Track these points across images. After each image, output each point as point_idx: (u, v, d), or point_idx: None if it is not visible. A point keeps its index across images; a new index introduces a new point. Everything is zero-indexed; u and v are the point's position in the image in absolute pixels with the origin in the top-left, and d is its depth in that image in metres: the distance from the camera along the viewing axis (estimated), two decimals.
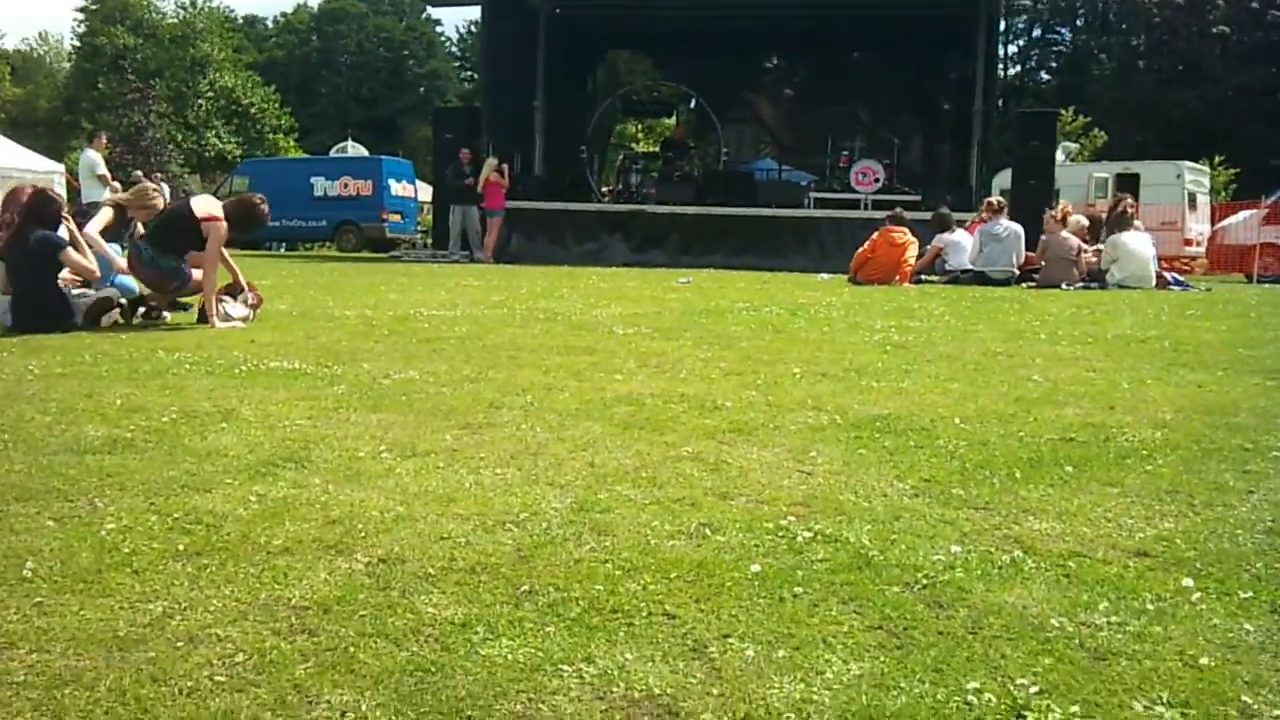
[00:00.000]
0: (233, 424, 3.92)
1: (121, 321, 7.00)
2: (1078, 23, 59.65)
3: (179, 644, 2.03)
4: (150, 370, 5.05)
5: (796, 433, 3.90)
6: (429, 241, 22.92)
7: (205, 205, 7.46)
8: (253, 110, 45.55)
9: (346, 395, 4.50)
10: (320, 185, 27.97)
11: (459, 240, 18.33)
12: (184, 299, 7.49)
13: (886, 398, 4.58)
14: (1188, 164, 25.19)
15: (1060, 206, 12.64)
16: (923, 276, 12.27)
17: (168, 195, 26.67)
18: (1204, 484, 3.20)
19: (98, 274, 7.07)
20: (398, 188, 28.57)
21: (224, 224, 7.18)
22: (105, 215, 7.95)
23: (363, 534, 2.67)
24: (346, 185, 27.88)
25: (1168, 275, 12.07)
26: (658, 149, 23.30)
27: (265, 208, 7.48)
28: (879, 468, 3.41)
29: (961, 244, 12.50)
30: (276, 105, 47.52)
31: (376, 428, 3.89)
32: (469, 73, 65.13)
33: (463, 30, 66.53)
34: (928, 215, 14.08)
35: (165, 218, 7.51)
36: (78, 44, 46.04)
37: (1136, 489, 3.15)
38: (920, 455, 3.58)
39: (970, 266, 12.17)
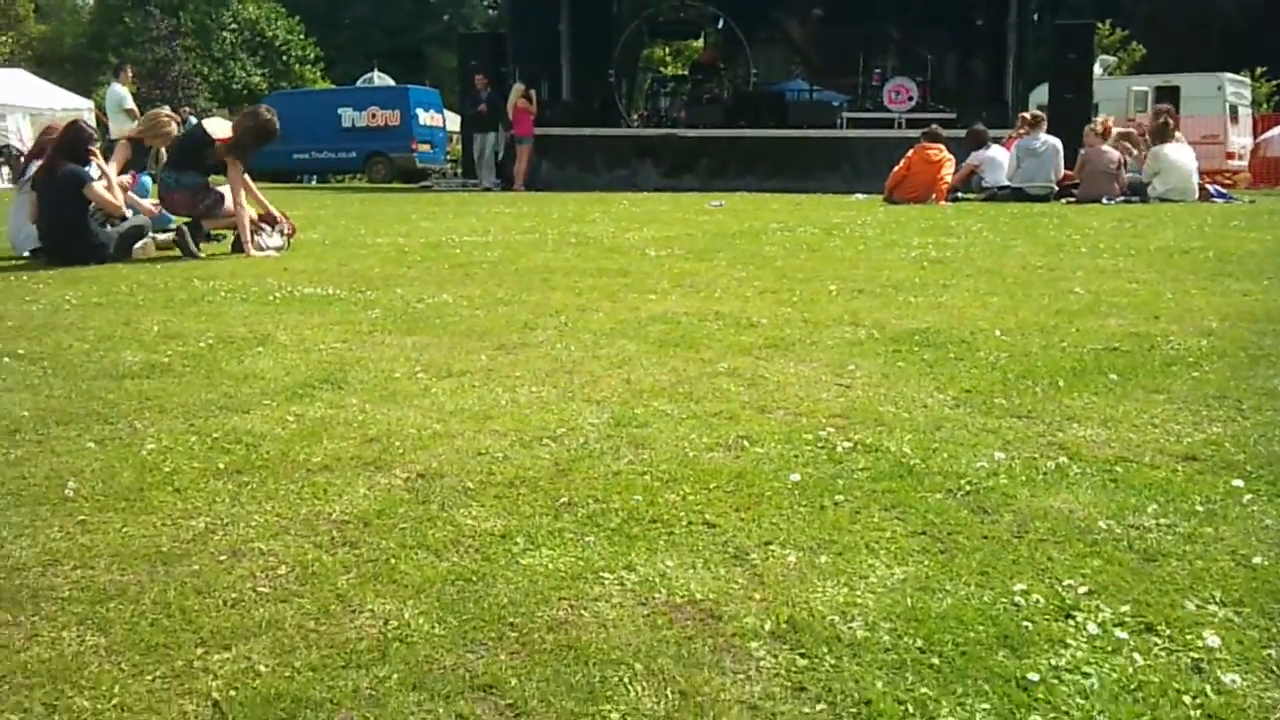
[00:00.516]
0: (269, 348, 3.92)
1: (156, 253, 7.01)
2: None
3: (222, 558, 2.04)
4: (186, 299, 5.06)
5: (833, 347, 3.86)
6: (459, 170, 22.79)
7: (218, 127, 7.46)
8: (277, 42, 45.21)
9: (381, 319, 4.49)
10: (348, 116, 27.82)
11: (491, 168, 18.26)
12: (217, 230, 7.49)
13: (925, 312, 4.52)
14: (1229, 76, 24.55)
15: (1100, 120, 12.34)
16: (959, 194, 12.07)
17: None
18: (1252, 389, 3.14)
19: (122, 209, 7.07)
20: (425, 117, 28.35)
21: (234, 147, 7.17)
22: (122, 151, 7.94)
23: (400, 451, 2.67)
24: (374, 116, 27.70)
25: (1210, 188, 11.80)
26: (686, 72, 22.94)
27: (274, 118, 7.41)
28: (919, 379, 3.37)
29: (998, 160, 12.27)
30: (301, 36, 47.12)
31: (411, 350, 3.88)
32: None
33: None
34: (963, 132, 13.83)
35: (181, 140, 7.60)
36: None
37: (1183, 395, 3.10)
38: (960, 367, 3.53)
39: (1008, 183, 11.95)
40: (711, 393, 3.23)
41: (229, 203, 7.15)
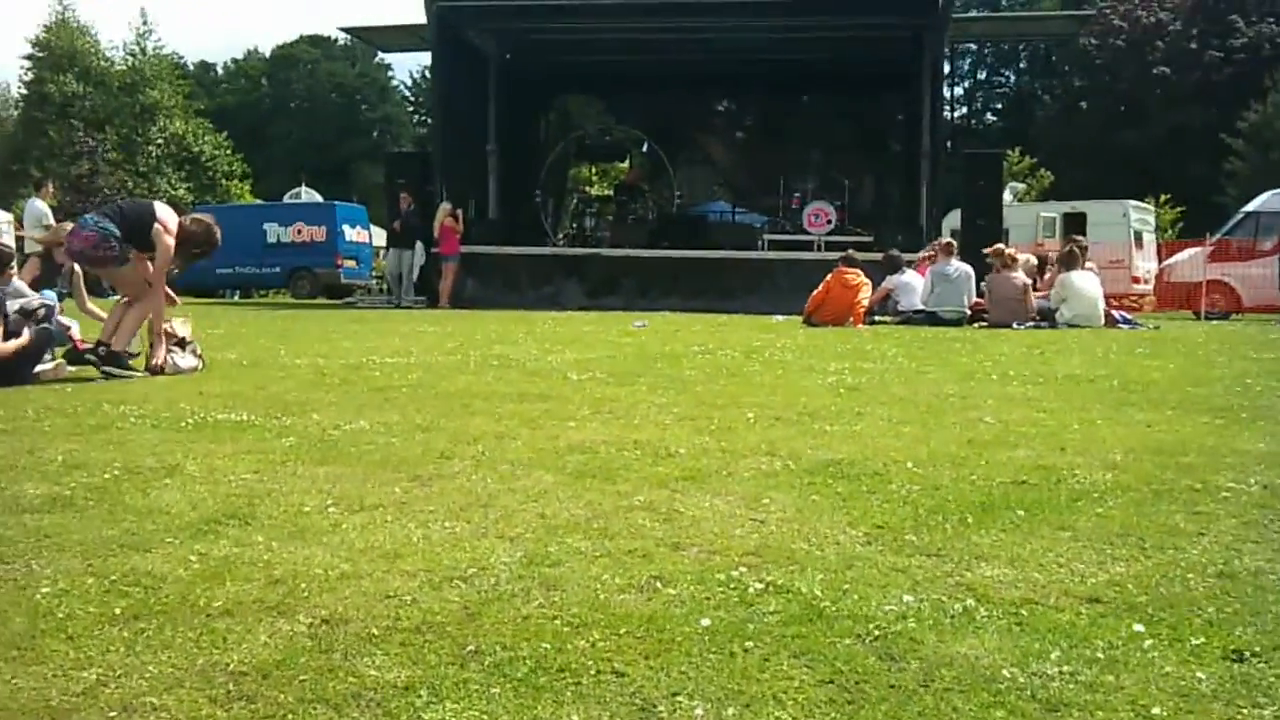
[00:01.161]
0: (176, 479, 3.84)
1: (64, 373, 6.87)
2: (1020, 65, 60.86)
3: (112, 713, 1.96)
4: (94, 424, 4.95)
5: (750, 479, 3.88)
6: (384, 287, 22.84)
7: (165, 212, 7.35)
8: (204, 157, 45.22)
9: (295, 447, 4.43)
10: (273, 231, 27.84)
11: (410, 286, 18.34)
12: (131, 352, 7.35)
13: (840, 441, 4.58)
14: (1133, 203, 25.68)
15: (1002, 248, 12.80)
16: (876, 317, 12.36)
17: None
18: (1155, 526, 3.21)
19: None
20: (352, 233, 28.46)
21: (172, 238, 7.08)
22: (30, 268, 7.83)
23: (306, 594, 2.61)
24: (300, 231, 27.75)
25: (1116, 314, 12.24)
26: (612, 192, 23.40)
27: (219, 236, 7.36)
28: (832, 514, 3.39)
29: (913, 285, 12.63)
30: (228, 151, 47.21)
31: (324, 481, 3.83)
32: (423, 116, 65.17)
33: (416, 75, 66.64)
34: (879, 255, 14.23)
35: (129, 202, 7.44)
36: (25, 92, 45.52)
37: (1088, 532, 3.16)
38: (873, 500, 3.57)
39: (922, 307, 12.28)
40: (626, 528, 3.22)
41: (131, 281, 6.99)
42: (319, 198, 33.73)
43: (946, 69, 35.78)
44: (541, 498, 3.60)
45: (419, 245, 18.30)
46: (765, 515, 3.37)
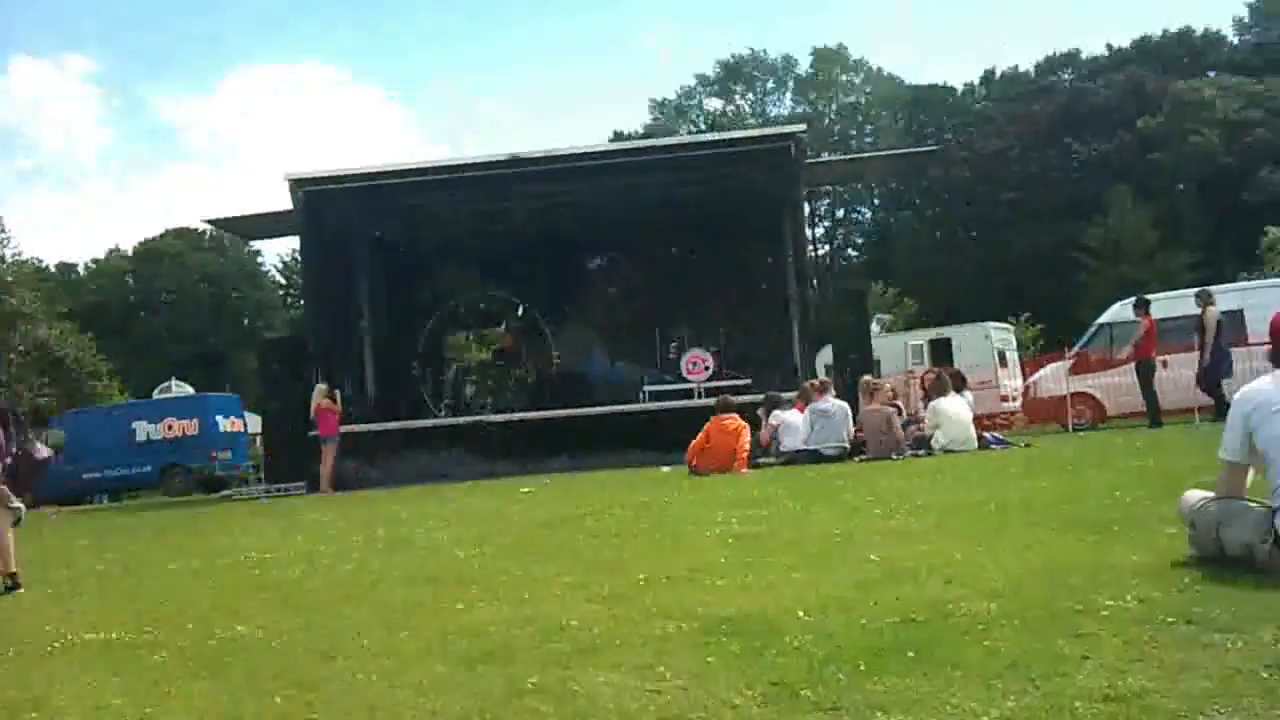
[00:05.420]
0: (43, 714, 3.62)
1: None
2: (875, 200, 63.64)
3: None
4: None
5: (644, 646, 3.83)
6: (261, 476, 22.29)
7: None
8: (68, 360, 44.05)
9: (167, 664, 4.22)
10: (143, 429, 27.14)
11: None
12: None
13: (732, 596, 4.56)
14: (993, 324, 26.79)
15: (863, 380, 13.19)
16: (760, 460, 12.48)
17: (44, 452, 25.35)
18: (1041, 655, 3.25)
19: None
20: (226, 423, 27.90)
21: None
22: None
23: None
24: (171, 427, 27.10)
25: (988, 435, 12.59)
26: (490, 358, 23.46)
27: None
28: (727, 675, 3.36)
29: (794, 424, 12.83)
30: (93, 353, 46.14)
31: (200, 698, 3.65)
32: (295, 298, 64.85)
33: (285, 258, 66.51)
34: (759, 396, 14.50)
35: None
36: None
37: (978, 667, 3.18)
38: (767, 656, 3.55)
39: (803, 446, 12.46)
40: (520, 716, 3.13)
41: None
42: (190, 390, 33.06)
43: (806, 210, 37.35)
44: (432, 691, 3.49)
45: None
46: (661, 685, 3.32)
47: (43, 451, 6.88)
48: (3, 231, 48.15)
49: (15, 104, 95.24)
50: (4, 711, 3.64)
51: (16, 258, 46.04)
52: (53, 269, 60.90)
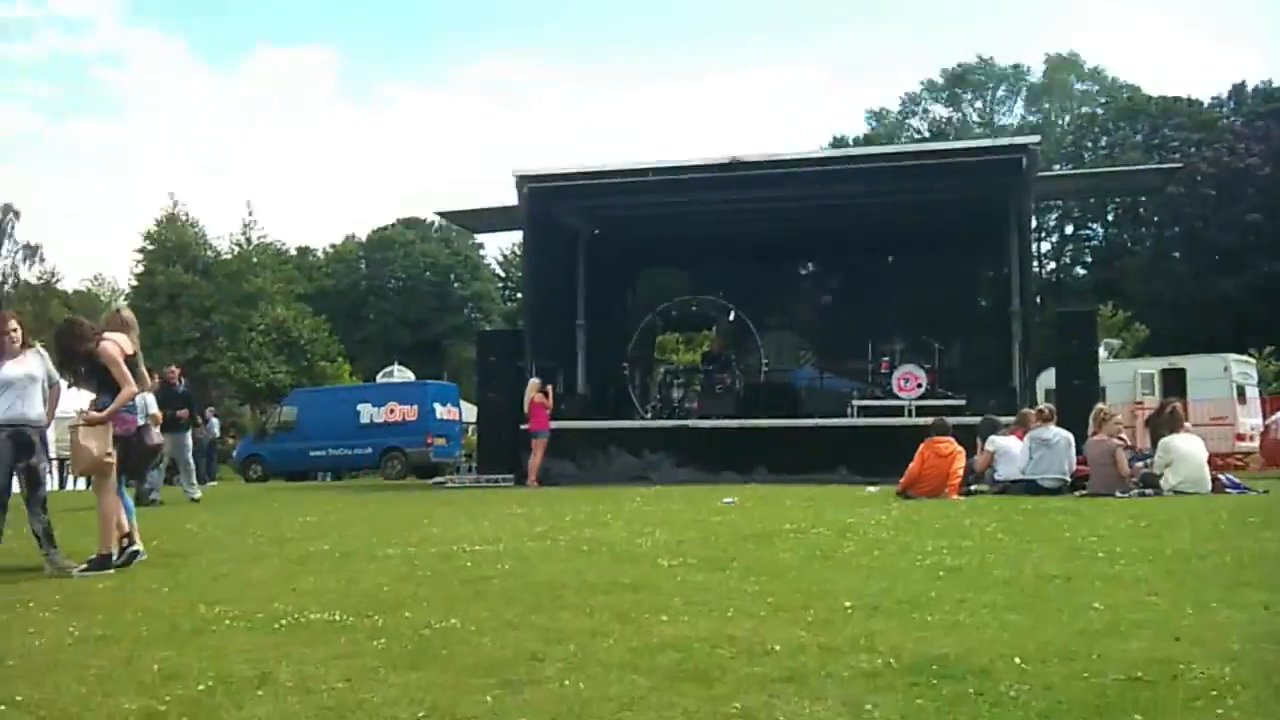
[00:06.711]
0: (269, 689, 3.84)
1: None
2: (1109, 217, 60.59)
3: None
4: (190, 629, 5.00)
5: (850, 680, 3.75)
6: (473, 465, 23.06)
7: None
8: (302, 340, 46.73)
9: (386, 650, 4.40)
10: (367, 412, 28.44)
11: (189, 472, 16.35)
12: None
13: (942, 634, 4.42)
14: (1234, 356, 24.99)
15: (1095, 410, 12.51)
16: (973, 488, 12.05)
17: (216, 430, 27.15)
18: None
19: None
20: (442, 411, 28.92)
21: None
22: None
23: None
24: (393, 411, 28.30)
25: (1223, 478, 11.78)
26: (698, 361, 23.56)
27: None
28: (938, 719, 3.25)
29: (1011, 451, 12.34)
30: (326, 334, 48.78)
31: (415, 689, 3.79)
32: (512, 292, 66.85)
33: (506, 252, 68.61)
34: (973, 419, 14.04)
35: None
36: (135, 283, 47.74)
37: None
38: (981, 704, 3.41)
39: (1020, 476, 11.97)
40: None
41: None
42: (411, 376, 34.46)
43: (1033, 225, 35.89)
44: (635, 704, 3.51)
45: (192, 428, 16.93)
46: None
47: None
48: (250, 215, 51.60)
49: (259, 91, 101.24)
50: (232, 688, 3.86)
51: (261, 239, 49.15)
52: (293, 252, 64.75)
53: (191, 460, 16.55)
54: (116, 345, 7.33)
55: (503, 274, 70.87)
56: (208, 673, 4.09)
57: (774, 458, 16.75)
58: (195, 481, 16.44)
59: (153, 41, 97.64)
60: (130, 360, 7.41)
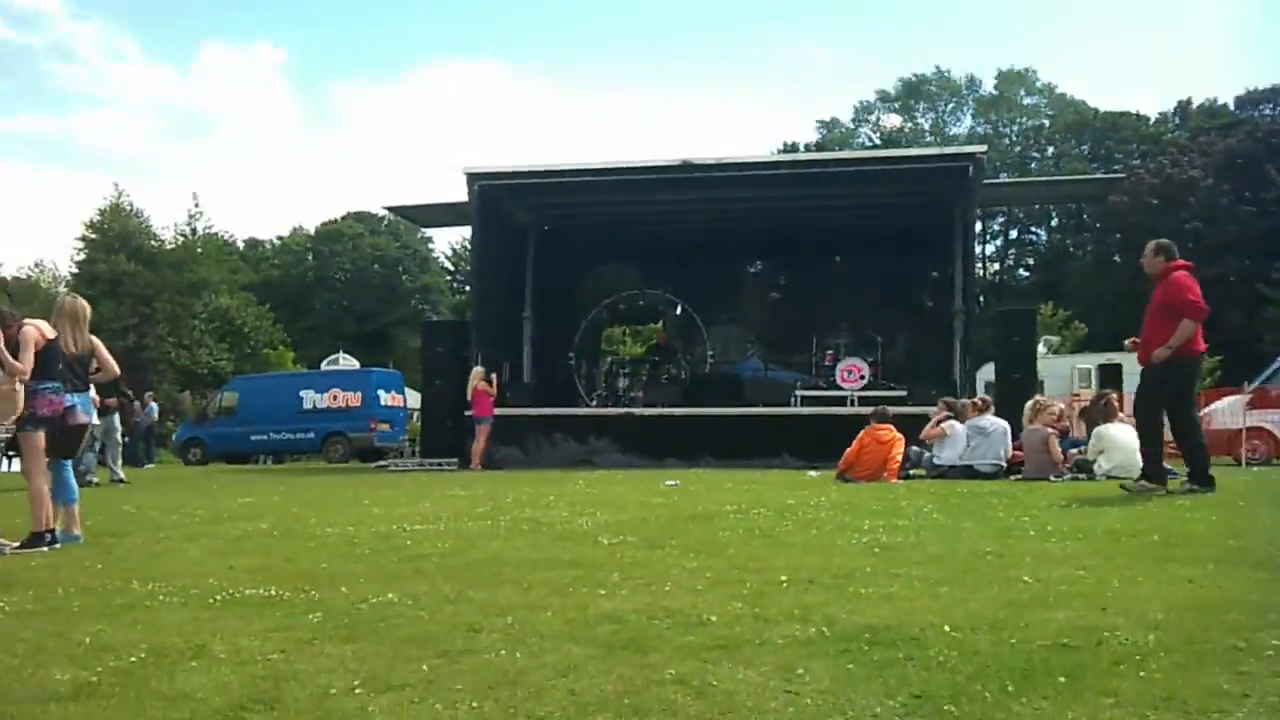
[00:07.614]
0: (203, 661, 3.81)
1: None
2: (1052, 223, 61.55)
3: None
4: (123, 603, 4.95)
5: (784, 647, 3.80)
6: (416, 450, 23.04)
7: None
8: (246, 328, 46.28)
9: (322, 624, 4.39)
10: (309, 398, 28.32)
11: (116, 456, 17.03)
12: None
13: (875, 605, 4.49)
14: None
15: (1032, 401, 12.78)
16: (910, 472, 12.23)
17: (155, 414, 26.82)
18: (1198, 689, 3.11)
19: None
20: (387, 398, 28.89)
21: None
22: None
23: None
24: (336, 397, 28.23)
25: None
26: (644, 353, 23.60)
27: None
28: (868, 684, 3.31)
29: (957, 437, 12.53)
30: (270, 323, 48.34)
31: (351, 659, 3.78)
32: (460, 284, 66.47)
33: (455, 246, 68.20)
34: (916, 409, 14.26)
35: None
36: (75, 270, 46.91)
37: (1131, 698, 3.06)
38: (910, 668, 3.48)
39: (957, 462, 12.18)
40: (658, 704, 3.15)
41: None
42: (356, 364, 34.28)
43: (978, 229, 36.33)
44: (571, 672, 3.54)
45: (119, 412, 17.36)
46: (800, 687, 3.29)
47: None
48: (196, 206, 51.02)
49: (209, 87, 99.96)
50: (165, 660, 3.83)
51: (207, 230, 48.62)
52: (240, 244, 63.90)
53: (120, 442, 17.19)
54: (36, 329, 7.43)
55: (452, 267, 70.44)
56: (140, 645, 4.05)
57: (718, 444, 16.87)
58: (120, 463, 17.01)
59: (103, 34, 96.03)
60: (50, 344, 7.54)
